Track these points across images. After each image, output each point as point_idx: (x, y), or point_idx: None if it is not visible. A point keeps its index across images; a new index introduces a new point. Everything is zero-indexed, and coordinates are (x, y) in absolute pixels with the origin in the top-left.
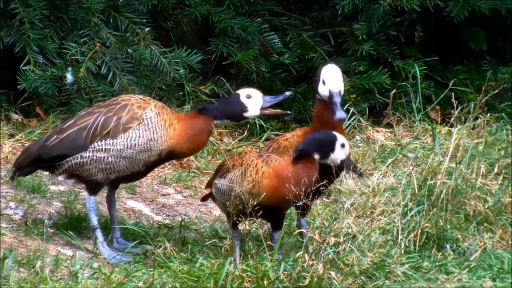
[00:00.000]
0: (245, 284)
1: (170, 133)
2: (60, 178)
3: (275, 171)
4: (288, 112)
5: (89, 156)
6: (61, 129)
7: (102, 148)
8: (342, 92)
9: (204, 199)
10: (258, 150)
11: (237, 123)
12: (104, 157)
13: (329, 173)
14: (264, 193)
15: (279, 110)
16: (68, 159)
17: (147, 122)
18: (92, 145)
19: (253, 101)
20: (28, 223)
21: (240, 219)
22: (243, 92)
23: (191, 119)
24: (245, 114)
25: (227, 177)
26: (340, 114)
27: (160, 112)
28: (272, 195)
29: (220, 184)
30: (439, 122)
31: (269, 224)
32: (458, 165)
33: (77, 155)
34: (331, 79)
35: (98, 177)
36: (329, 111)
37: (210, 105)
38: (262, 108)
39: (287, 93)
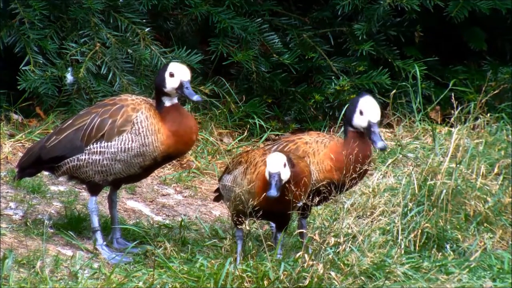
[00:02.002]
0: (245, 284)
1: (160, 138)
2: (62, 179)
3: (264, 173)
4: (198, 100)
5: (85, 158)
6: (60, 129)
7: (97, 151)
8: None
9: (216, 199)
10: (267, 148)
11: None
12: (99, 159)
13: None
14: (256, 195)
15: (193, 100)
16: (66, 160)
17: (138, 127)
18: (88, 147)
19: (172, 80)
20: (28, 223)
21: (240, 219)
22: (170, 68)
23: (167, 116)
24: (164, 89)
25: (232, 174)
26: (381, 143)
27: (149, 115)
28: (262, 198)
29: (225, 180)
30: (439, 122)
31: (271, 223)
32: (458, 165)
33: (74, 157)
34: (371, 112)
35: (95, 179)
36: (361, 141)
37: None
38: (176, 91)
39: (196, 98)
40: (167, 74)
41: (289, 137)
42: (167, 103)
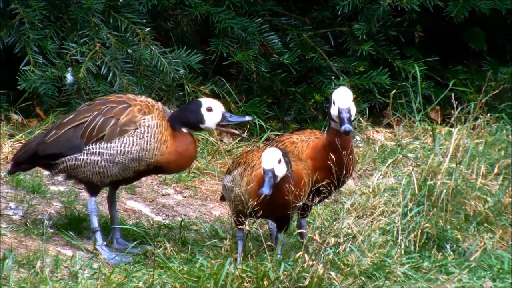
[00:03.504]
0: (245, 284)
1: (163, 149)
2: (60, 178)
3: (260, 176)
4: (242, 135)
5: (83, 159)
6: (60, 124)
7: (96, 152)
8: (353, 111)
9: (222, 198)
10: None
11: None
12: (97, 160)
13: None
14: (253, 196)
15: (234, 131)
16: (64, 159)
17: (143, 130)
18: (87, 147)
19: (212, 115)
20: (28, 224)
21: (240, 219)
22: (205, 103)
23: (180, 136)
24: (201, 126)
25: (232, 174)
26: (346, 126)
27: (160, 123)
28: (260, 200)
29: (225, 181)
30: (439, 123)
31: (270, 223)
32: (458, 166)
33: (72, 156)
34: (340, 99)
35: (93, 179)
36: (340, 140)
37: (172, 114)
38: (218, 124)
39: (248, 118)
40: (204, 110)
41: (281, 137)
42: (184, 129)
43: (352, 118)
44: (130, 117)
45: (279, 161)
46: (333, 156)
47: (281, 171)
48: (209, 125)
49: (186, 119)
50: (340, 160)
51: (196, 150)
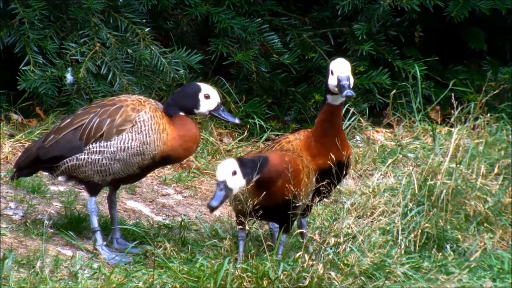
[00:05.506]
0: (245, 284)
1: (164, 138)
2: (60, 179)
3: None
4: (237, 121)
5: (84, 158)
6: (58, 128)
7: (96, 150)
8: (351, 80)
9: None
10: (264, 149)
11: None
12: (98, 159)
13: (330, 175)
14: (252, 194)
15: (229, 118)
16: (65, 160)
17: (140, 125)
18: (87, 147)
19: (208, 102)
20: (28, 224)
21: (240, 219)
22: (204, 89)
23: (178, 120)
24: (195, 111)
25: None
26: (347, 91)
27: (154, 115)
28: (257, 195)
29: None
30: (439, 123)
31: (271, 223)
32: (458, 166)
33: (73, 156)
34: (339, 68)
35: (94, 179)
36: (334, 117)
37: (167, 101)
38: (210, 112)
39: (238, 121)
40: (201, 96)
41: (279, 138)
42: (181, 113)
43: (351, 86)
44: (125, 116)
45: (234, 173)
46: (325, 138)
47: (236, 183)
48: (202, 111)
49: (182, 102)
50: (335, 135)
51: (198, 129)
